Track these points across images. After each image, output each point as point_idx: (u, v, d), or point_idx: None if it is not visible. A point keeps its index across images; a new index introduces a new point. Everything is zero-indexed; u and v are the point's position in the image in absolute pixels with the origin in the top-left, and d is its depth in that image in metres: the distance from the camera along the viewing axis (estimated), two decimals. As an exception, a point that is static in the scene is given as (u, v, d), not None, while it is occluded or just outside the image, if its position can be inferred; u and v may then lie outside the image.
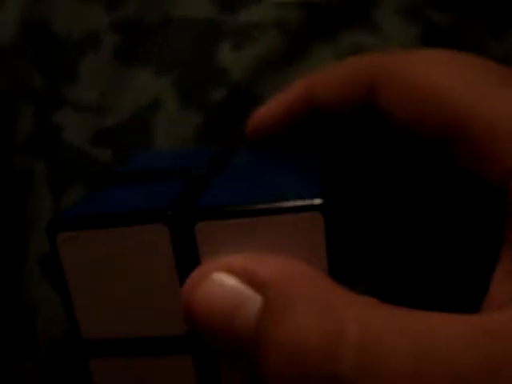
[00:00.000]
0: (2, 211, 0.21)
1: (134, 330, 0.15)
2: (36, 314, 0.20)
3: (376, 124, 0.16)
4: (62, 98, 0.22)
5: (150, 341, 0.15)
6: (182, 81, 0.22)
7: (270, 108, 0.18)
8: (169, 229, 0.13)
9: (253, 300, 0.12)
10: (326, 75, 0.17)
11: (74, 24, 0.23)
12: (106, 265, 0.14)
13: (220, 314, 0.12)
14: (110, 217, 0.14)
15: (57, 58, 0.23)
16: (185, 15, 0.23)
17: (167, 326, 0.14)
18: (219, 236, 0.13)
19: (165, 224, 0.13)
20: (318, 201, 0.13)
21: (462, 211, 0.17)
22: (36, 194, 0.21)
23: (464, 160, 0.13)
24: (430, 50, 0.16)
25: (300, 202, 0.13)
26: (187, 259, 0.14)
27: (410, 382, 0.10)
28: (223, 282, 0.13)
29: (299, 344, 0.11)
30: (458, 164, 0.14)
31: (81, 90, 0.22)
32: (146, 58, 0.23)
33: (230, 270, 0.13)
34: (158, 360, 0.15)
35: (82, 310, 0.15)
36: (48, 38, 0.23)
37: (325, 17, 0.23)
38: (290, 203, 0.13)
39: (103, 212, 0.14)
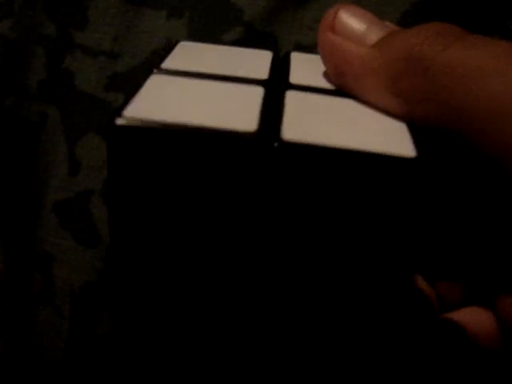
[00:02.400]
0: (16, 158, 0.21)
1: None
2: (53, 262, 0.20)
3: None
4: (73, 44, 0.22)
5: None
6: (195, 23, 0.22)
7: None
8: None
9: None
10: None
11: None
12: None
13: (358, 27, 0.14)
14: None
15: (67, 3, 0.22)
16: None
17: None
18: None
19: None
20: None
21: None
22: (50, 141, 0.21)
23: None
24: None
25: None
26: None
27: None
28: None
29: None
30: None
31: (92, 34, 0.22)
32: (157, 0, 0.22)
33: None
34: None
35: None
36: None
37: None
38: None
39: None
